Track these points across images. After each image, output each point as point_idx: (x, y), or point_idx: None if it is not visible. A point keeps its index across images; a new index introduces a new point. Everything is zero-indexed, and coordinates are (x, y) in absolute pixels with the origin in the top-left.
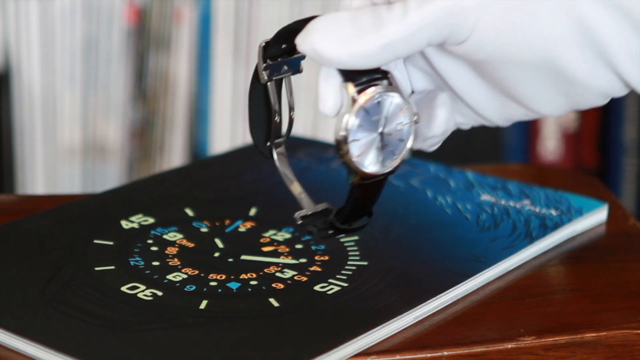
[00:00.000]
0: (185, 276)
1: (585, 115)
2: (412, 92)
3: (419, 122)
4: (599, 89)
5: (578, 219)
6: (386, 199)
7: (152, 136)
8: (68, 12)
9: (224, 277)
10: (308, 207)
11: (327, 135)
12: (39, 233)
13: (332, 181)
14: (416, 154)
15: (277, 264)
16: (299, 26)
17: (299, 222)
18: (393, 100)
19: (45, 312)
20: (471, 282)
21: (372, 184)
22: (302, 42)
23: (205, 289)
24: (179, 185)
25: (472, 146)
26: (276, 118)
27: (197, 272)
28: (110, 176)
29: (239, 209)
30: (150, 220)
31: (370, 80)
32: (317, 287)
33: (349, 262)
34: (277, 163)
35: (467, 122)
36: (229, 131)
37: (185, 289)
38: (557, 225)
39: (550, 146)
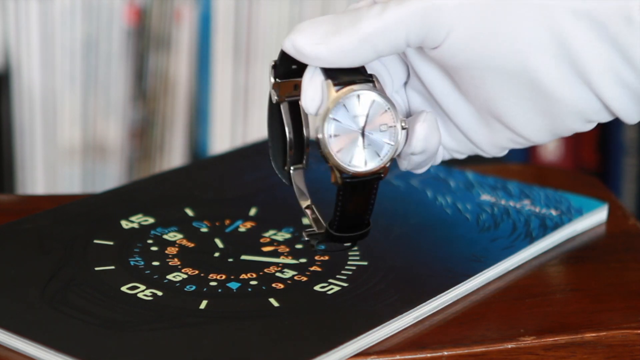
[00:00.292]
0: (185, 276)
1: None
2: (410, 115)
3: (407, 128)
4: (577, 108)
5: (578, 219)
6: (386, 199)
7: (152, 136)
8: (68, 12)
9: (224, 277)
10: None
11: None
12: (39, 233)
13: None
14: None
15: (277, 264)
16: None
17: (306, 239)
18: (374, 99)
19: (45, 312)
20: (471, 282)
21: (361, 188)
22: (285, 41)
23: (205, 289)
24: (179, 185)
25: None
26: (290, 149)
27: (197, 272)
28: (110, 176)
29: (239, 209)
30: (150, 220)
31: (352, 80)
32: (317, 287)
33: (349, 262)
34: (295, 187)
35: (460, 149)
36: (229, 131)
37: (185, 289)
38: (557, 225)
39: (550, 146)
